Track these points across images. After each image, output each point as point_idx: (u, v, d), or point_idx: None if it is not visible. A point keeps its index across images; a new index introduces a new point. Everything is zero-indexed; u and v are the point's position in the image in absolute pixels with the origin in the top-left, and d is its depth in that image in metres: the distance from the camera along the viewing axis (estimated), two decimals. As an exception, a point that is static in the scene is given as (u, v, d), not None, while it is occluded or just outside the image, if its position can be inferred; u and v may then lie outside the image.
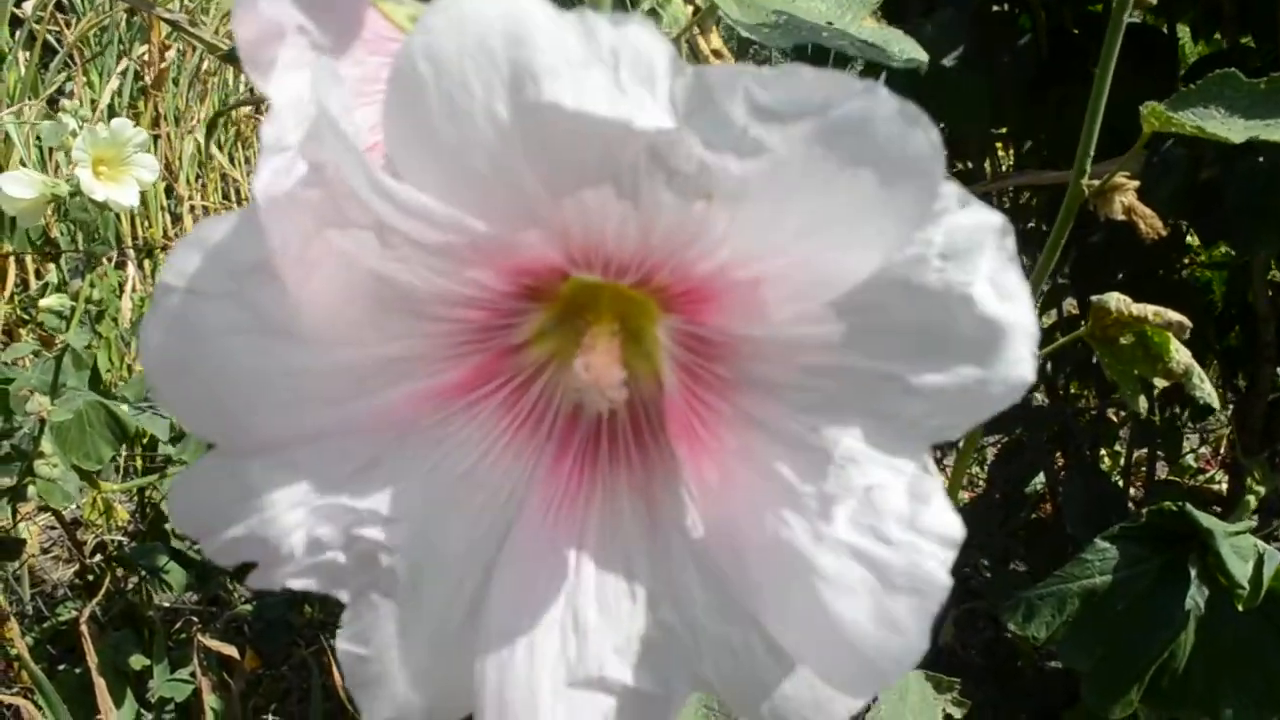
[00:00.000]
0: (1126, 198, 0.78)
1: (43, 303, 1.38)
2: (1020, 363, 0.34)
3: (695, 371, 0.41)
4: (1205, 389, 0.79)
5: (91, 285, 1.35)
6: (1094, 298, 0.80)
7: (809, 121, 0.31)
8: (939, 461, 2.45)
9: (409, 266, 0.37)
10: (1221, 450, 2.48)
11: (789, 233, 0.34)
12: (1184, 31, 1.65)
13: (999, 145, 1.85)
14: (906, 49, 0.71)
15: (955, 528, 0.35)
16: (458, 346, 0.40)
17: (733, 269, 0.36)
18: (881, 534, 0.35)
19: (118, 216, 2.89)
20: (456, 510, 0.41)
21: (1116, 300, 0.78)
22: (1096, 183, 0.76)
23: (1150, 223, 0.77)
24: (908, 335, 0.35)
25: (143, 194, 1.36)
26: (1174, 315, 0.76)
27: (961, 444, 0.92)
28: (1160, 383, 0.79)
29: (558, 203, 0.34)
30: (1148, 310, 0.77)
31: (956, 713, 0.86)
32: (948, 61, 1.34)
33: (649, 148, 0.32)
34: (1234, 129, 0.73)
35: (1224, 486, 1.97)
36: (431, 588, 0.40)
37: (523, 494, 0.42)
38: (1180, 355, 0.78)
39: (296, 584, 0.39)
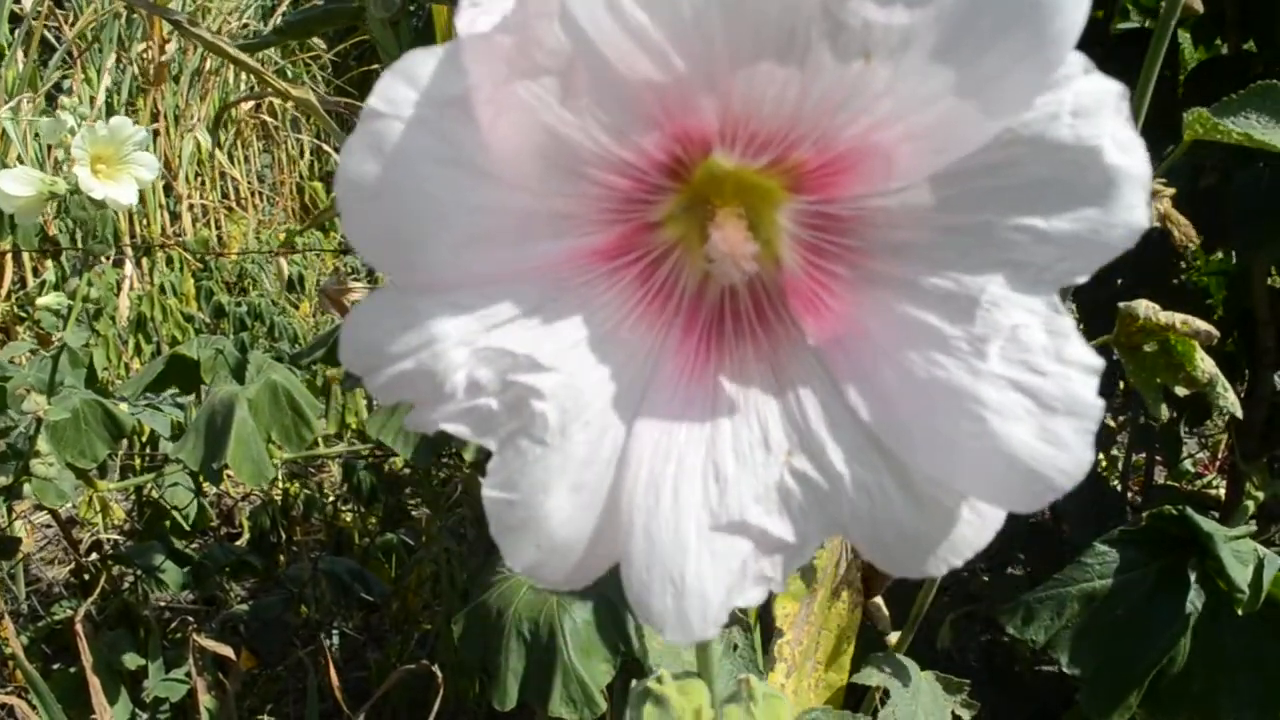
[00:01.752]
0: (1163, 205, 0.79)
1: (40, 301, 1.37)
2: (1138, 207, 0.39)
3: (820, 247, 0.44)
4: (1229, 398, 0.79)
5: (89, 284, 1.34)
6: (1121, 304, 0.80)
7: None
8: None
9: (581, 121, 0.39)
10: (1220, 455, 2.48)
11: (948, 81, 0.37)
12: (1184, 37, 1.65)
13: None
14: None
15: (1094, 357, 0.38)
16: (607, 213, 0.43)
17: (879, 129, 0.39)
18: (1033, 366, 0.38)
19: (116, 214, 2.89)
20: (602, 365, 0.44)
21: (1145, 307, 0.78)
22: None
23: (1185, 231, 0.78)
24: (1041, 187, 0.39)
25: (141, 192, 1.36)
26: (1201, 324, 0.76)
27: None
28: (1182, 391, 0.79)
29: (734, 62, 0.38)
30: (1175, 318, 0.77)
31: (965, 714, 0.86)
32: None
33: (823, 2, 0.36)
34: (1274, 137, 0.75)
35: (1221, 491, 1.97)
36: (579, 436, 0.42)
37: (658, 357, 0.45)
38: (1205, 364, 0.78)
39: (450, 427, 0.41)
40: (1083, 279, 0.40)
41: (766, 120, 0.40)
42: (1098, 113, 0.38)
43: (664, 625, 0.40)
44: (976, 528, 0.41)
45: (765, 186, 0.44)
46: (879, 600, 1.02)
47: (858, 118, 0.39)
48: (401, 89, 0.37)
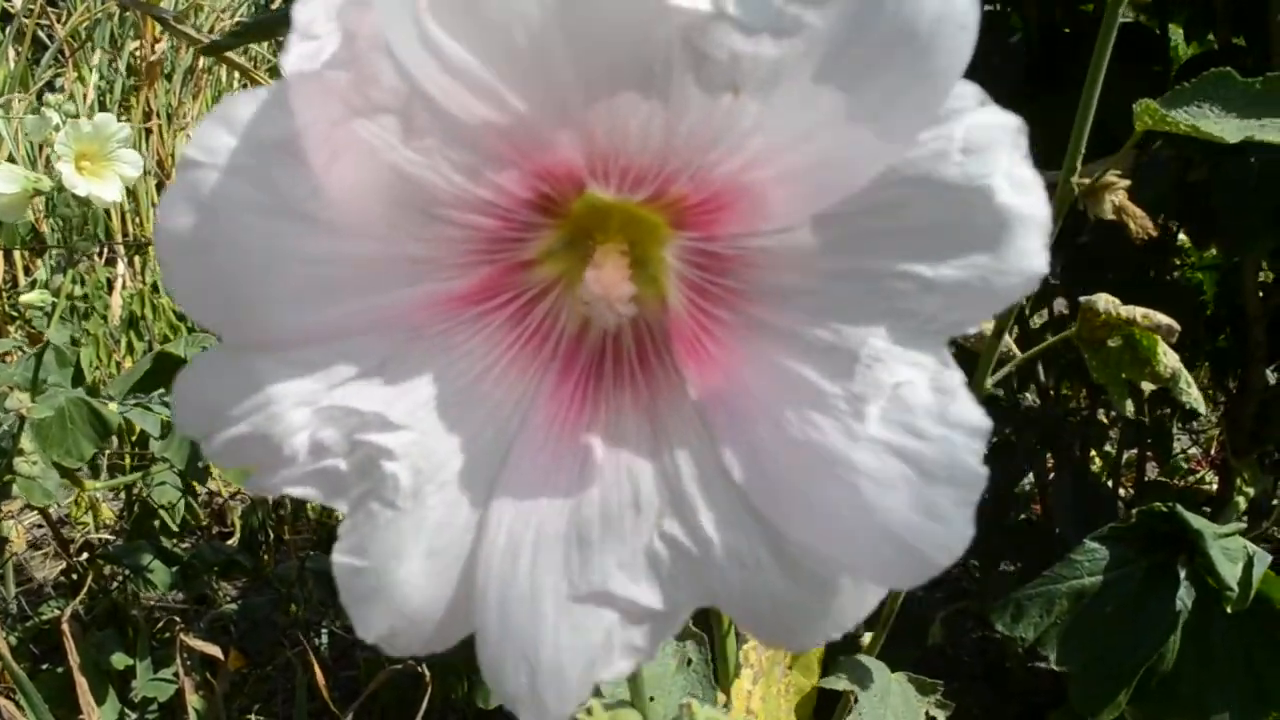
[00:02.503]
0: (1117, 197, 0.78)
1: (24, 298, 1.36)
2: (1034, 254, 0.35)
3: (704, 288, 0.41)
4: (1192, 393, 0.78)
5: (74, 282, 1.34)
6: (1082, 299, 0.79)
7: None
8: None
9: (430, 161, 0.36)
10: (1212, 451, 2.48)
11: (822, 116, 0.34)
12: (1177, 32, 1.64)
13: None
14: None
15: (982, 418, 0.35)
16: (469, 255, 0.40)
17: (755, 167, 0.36)
18: (915, 429, 0.35)
19: (108, 213, 2.88)
20: (461, 421, 0.41)
21: (1105, 301, 0.77)
22: (1087, 182, 0.75)
23: (1140, 223, 0.77)
24: (926, 231, 0.36)
25: (133, 190, 1.35)
26: (1163, 318, 0.75)
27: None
28: (1148, 386, 0.78)
29: (589, 94, 0.35)
30: (1136, 313, 0.76)
31: (940, 715, 0.85)
32: (938, 59, 1.33)
33: (683, 33, 0.33)
34: (1228, 129, 0.72)
35: (1214, 487, 1.97)
36: (434, 498, 0.40)
37: (526, 410, 0.42)
38: (1168, 359, 0.77)
39: (295, 491, 0.38)
40: (973, 330, 0.36)
41: (636, 155, 0.37)
42: (990, 149, 0.35)
43: (518, 707, 0.37)
44: (857, 599, 0.38)
45: (651, 221, 0.41)
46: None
47: (731, 154, 0.36)
48: (220, 135, 0.34)
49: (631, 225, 0.42)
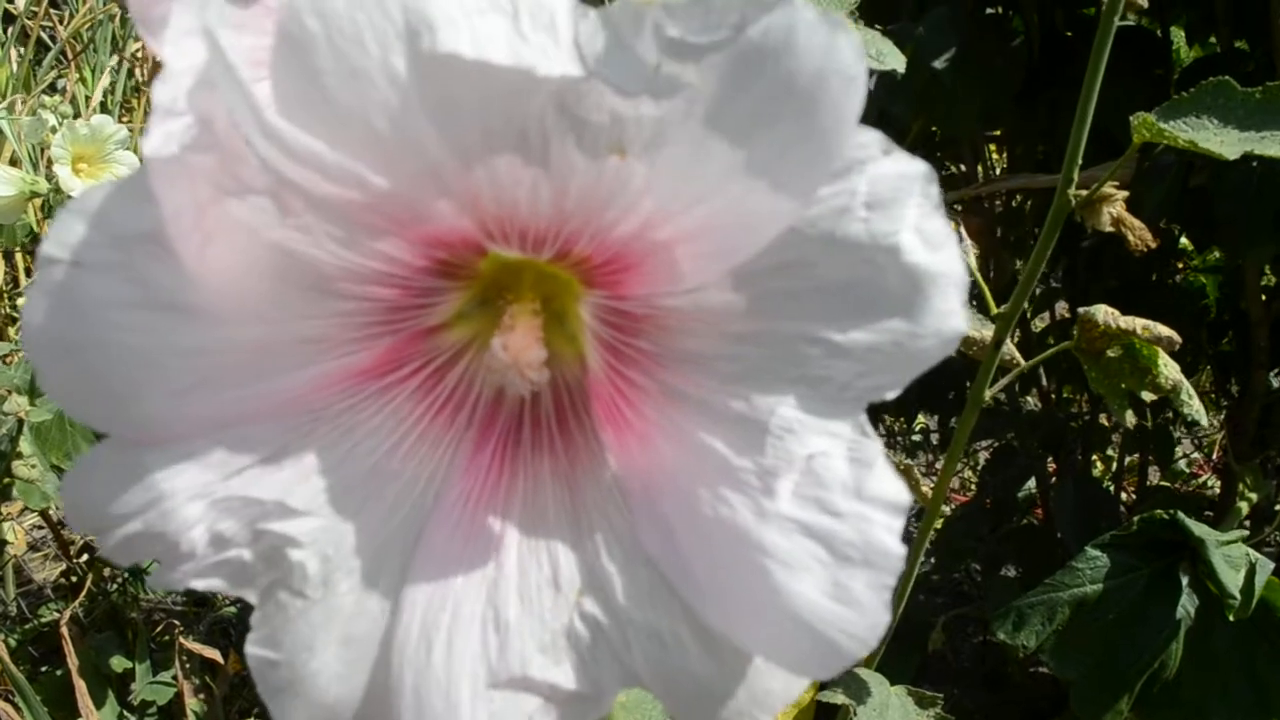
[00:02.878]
0: (1115, 209, 0.77)
1: (21, 300, 1.36)
2: (951, 314, 0.33)
3: (619, 350, 0.39)
4: (1194, 405, 0.78)
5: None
6: (1081, 309, 0.78)
7: (726, 47, 0.30)
8: (928, 465, 2.44)
9: (312, 238, 0.34)
10: (1214, 456, 2.47)
11: (712, 175, 0.32)
12: (1179, 35, 1.64)
13: (992, 148, 1.84)
14: (885, 52, 0.69)
15: (901, 493, 0.33)
16: (368, 327, 0.38)
17: (653, 228, 0.34)
18: (828, 506, 0.33)
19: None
20: (369, 502, 0.39)
21: (1104, 313, 0.76)
22: (1084, 193, 0.74)
23: (1139, 234, 0.76)
24: (833, 292, 0.33)
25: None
26: (1164, 330, 0.74)
27: (950, 448, 0.91)
28: (1148, 396, 0.77)
29: (465, 167, 0.33)
30: (1136, 324, 0.75)
31: (941, 729, 0.85)
32: (939, 64, 1.33)
33: (556, 100, 0.31)
34: (1228, 141, 0.70)
35: (1216, 492, 1.96)
36: (344, 585, 0.38)
37: (440, 485, 0.40)
38: (1168, 370, 0.76)
39: (200, 584, 0.37)
40: (892, 395, 0.34)
41: (529, 219, 0.35)
42: (897, 202, 0.32)
43: None
44: (784, 681, 0.36)
45: (563, 278, 0.39)
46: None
47: (626, 216, 0.34)
48: (78, 229, 0.32)
49: (545, 281, 0.40)
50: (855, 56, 0.30)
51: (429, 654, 0.37)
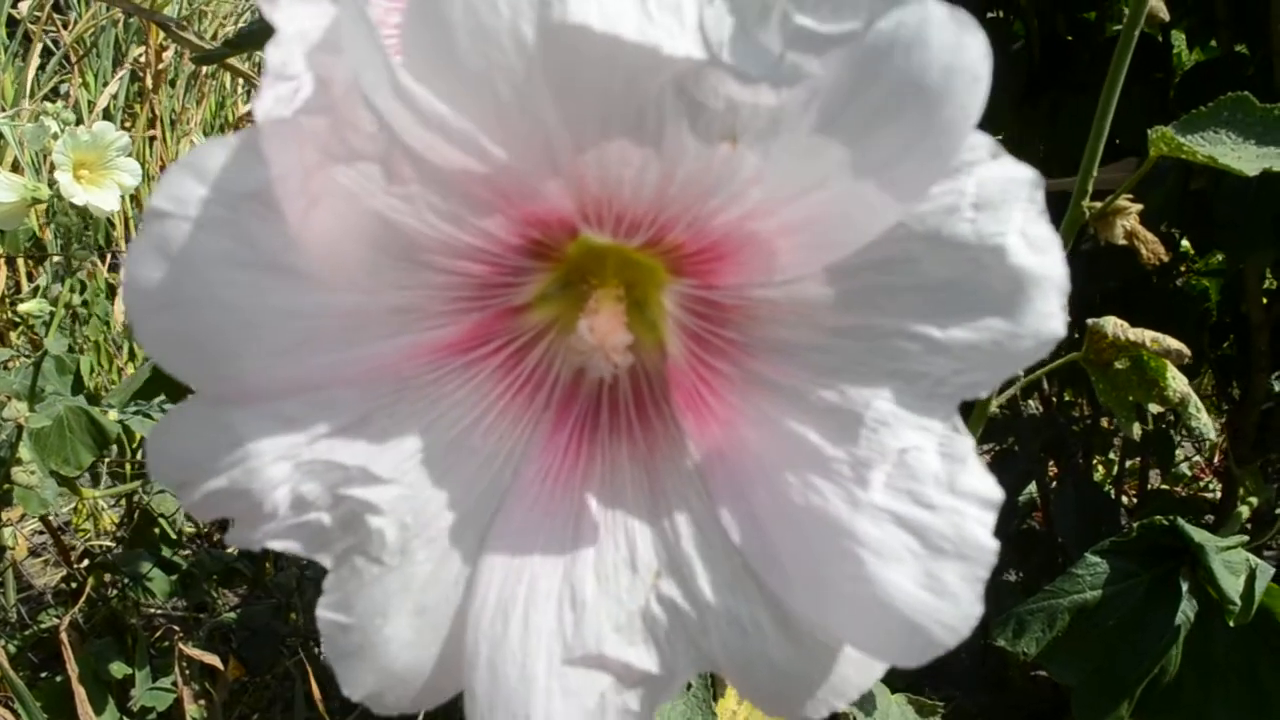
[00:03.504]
0: (1129, 222, 0.76)
1: (22, 307, 1.36)
2: (1051, 316, 0.33)
3: (704, 338, 0.39)
4: (1202, 419, 0.77)
5: (72, 290, 1.34)
6: (1090, 321, 0.78)
7: (855, 39, 0.30)
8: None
9: (414, 208, 0.34)
10: (1215, 459, 2.47)
11: (826, 169, 0.32)
12: (1179, 39, 1.64)
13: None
14: None
15: (993, 489, 0.33)
16: (458, 302, 0.39)
17: (755, 219, 0.34)
18: (921, 498, 0.33)
19: (110, 220, 2.89)
20: (450, 474, 0.39)
21: (1114, 325, 0.76)
22: (1099, 205, 0.74)
23: (1152, 248, 0.75)
24: (936, 289, 0.34)
25: (137, 195, 1.35)
26: (1173, 343, 0.74)
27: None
28: (1154, 407, 0.77)
29: (578, 143, 0.33)
30: (1145, 335, 0.75)
31: (941, 735, 0.84)
32: (939, 67, 1.33)
33: (675, 81, 0.31)
34: (1245, 157, 0.70)
35: (1217, 495, 1.96)
36: (421, 554, 0.38)
37: (519, 461, 0.41)
38: (1177, 383, 0.76)
39: (277, 545, 0.37)
40: (985, 393, 0.35)
41: (630, 203, 0.35)
42: (1004, 205, 0.33)
43: None
44: (862, 666, 0.36)
45: (648, 265, 0.39)
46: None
47: (729, 205, 0.34)
48: (190, 185, 0.32)
49: (629, 268, 0.40)
50: (982, 55, 0.30)
51: (505, 627, 0.37)
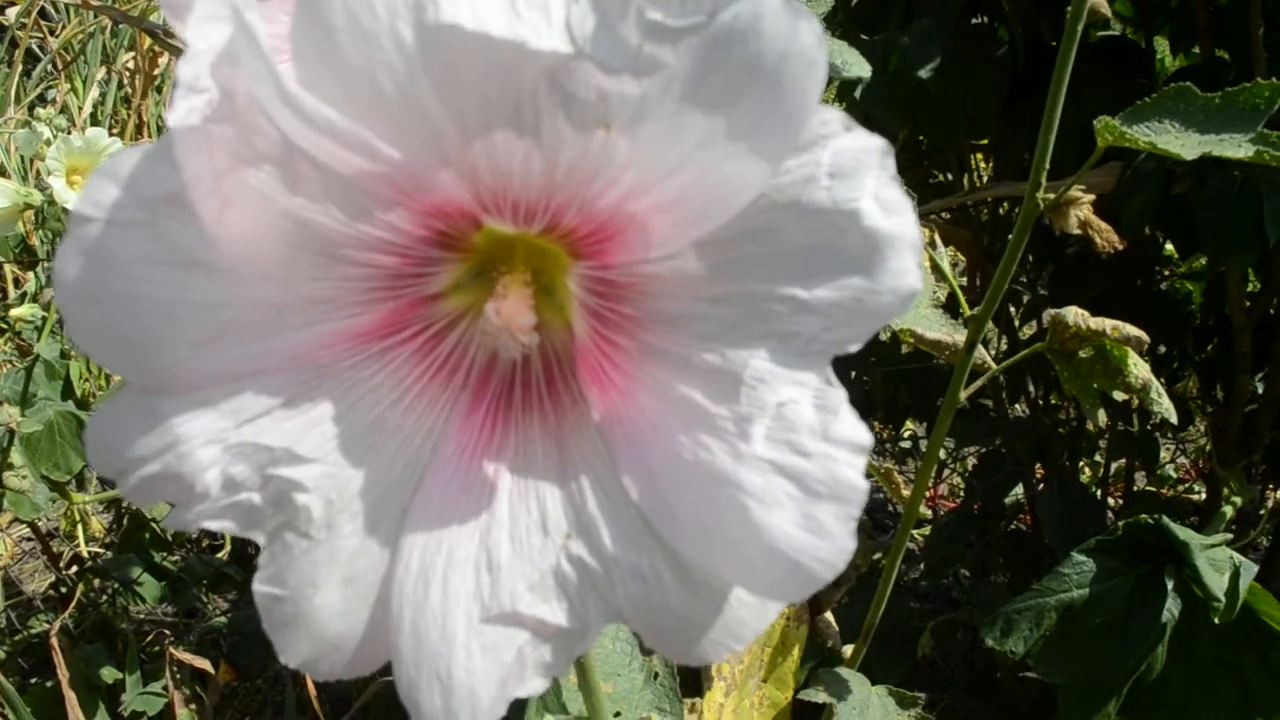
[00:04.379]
0: (1082, 212, 0.78)
1: (14, 312, 1.36)
2: (906, 273, 0.36)
3: (604, 315, 0.42)
4: (1164, 404, 0.79)
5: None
6: (1050, 311, 0.80)
7: (700, 30, 0.33)
8: (917, 472, 2.45)
9: (320, 205, 0.37)
10: (1200, 461, 2.49)
11: (688, 147, 0.35)
12: (1163, 46, 1.65)
13: (978, 157, 1.85)
14: (850, 61, 0.72)
15: (864, 435, 0.36)
16: (372, 292, 0.41)
17: (634, 198, 0.37)
18: (798, 447, 0.36)
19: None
20: (372, 453, 0.42)
21: (1075, 314, 0.77)
22: (1052, 196, 0.76)
23: (1106, 236, 0.77)
24: (800, 254, 0.37)
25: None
26: (1132, 330, 0.76)
27: (925, 451, 0.92)
28: (1120, 396, 0.78)
29: (464, 136, 0.36)
30: (1106, 324, 0.76)
31: (921, 728, 0.85)
32: (924, 73, 1.34)
33: (547, 74, 0.34)
34: (1188, 144, 0.72)
35: (1203, 497, 1.97)
36: (347, 528, 0.41)
37: (437, 439, 0.43)
38: (1138, 370, 0.78)
39: (213, 524, 0.40)
40: (855, 348, 0.37)
41: (521, 191, 0.38)
42: (858, 173, 0.36)
43: None
44: (756, 610, 0.39)
45: (552, 251, 0.42)
46: (828, 616, 1.01)
47: (610, 187, 0.37)
48: (109, 190, 0.35)
49: (535, 255, 0.43)
50: (816, 41, 0.33)
51: (426, 592, 0.40)
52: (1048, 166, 0.73)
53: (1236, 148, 0.71)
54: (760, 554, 0.36)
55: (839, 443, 0.36)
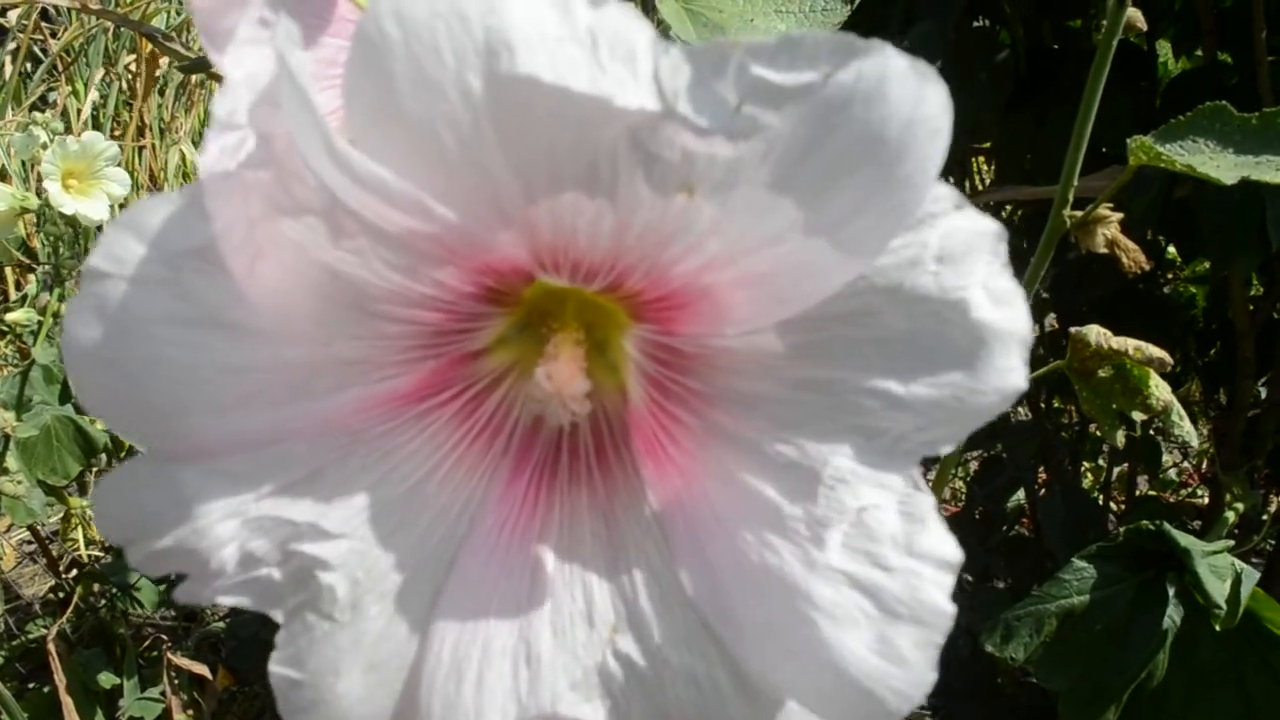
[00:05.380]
0: (1110, 230, 0.77)
1: (10, 316, 1.36)
2: (1012, 371, 0.33)
3: (665, 385, 0.38)
4: (1185, 426, 0.78)
5: (61, 300, 1.33)
6: (1073, 329, 0.78)
7: (814, 91, 0.29)
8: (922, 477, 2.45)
9: (363, 260, 0.34)
10: (1203, 466, 2.48)
11: (784, 221, 0.31)
12: (1165, 49, 1.65)
13: (979, 160, 1.85)
14: None
15: (953, 550, 0.33)
16: (411, 350, 0.38)
17: (714, 269, 0.33)
18: (878, 559, 0.33)
19: (99, 229, 2.88)
20: (403, 527, 0.39)
21: (1097, 334, 0.76)
22: (1079, 214, 0.74)
23: (1134, 256, 0.76)
24: (897, 343, 0.33)
25: (127, 204, 1.35)
26: (1155, 351, 0.74)
27: (941, 459, 0.91)
28: (1139, 417, 0.77)
29: (529, 194, 0.32)
30: (1128, 344, 0.75)
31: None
32: (925, 76, 1.33)
33: (629, 132, 0.30)
34: (1224, 166, 0.70)
35: (1205, 501, 1.97)
36: (374, 610, 0.38)
37: (475, 511, 0.40)
38: (1160, 391, 0.76)
39: (228, 600, 0.37)
40: (947, 450, 0.34)
41: (586, 251, 0.34)
42: (968, 258, 0.32)
43: None
44: None
45: (609, 308, 0.38)
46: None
47: (687, 255, 0.33)
48: (129, 244, 0.32)
49: (589, 310, 0.39)
50: (943, 108, 0.29)
51: (459, 686, 0.37)
52: (1075, 183, 0.71)
53: (1275, 172, 0.69)
54: (827, 676, 0.33)
55: (924, 557, 0.32)
